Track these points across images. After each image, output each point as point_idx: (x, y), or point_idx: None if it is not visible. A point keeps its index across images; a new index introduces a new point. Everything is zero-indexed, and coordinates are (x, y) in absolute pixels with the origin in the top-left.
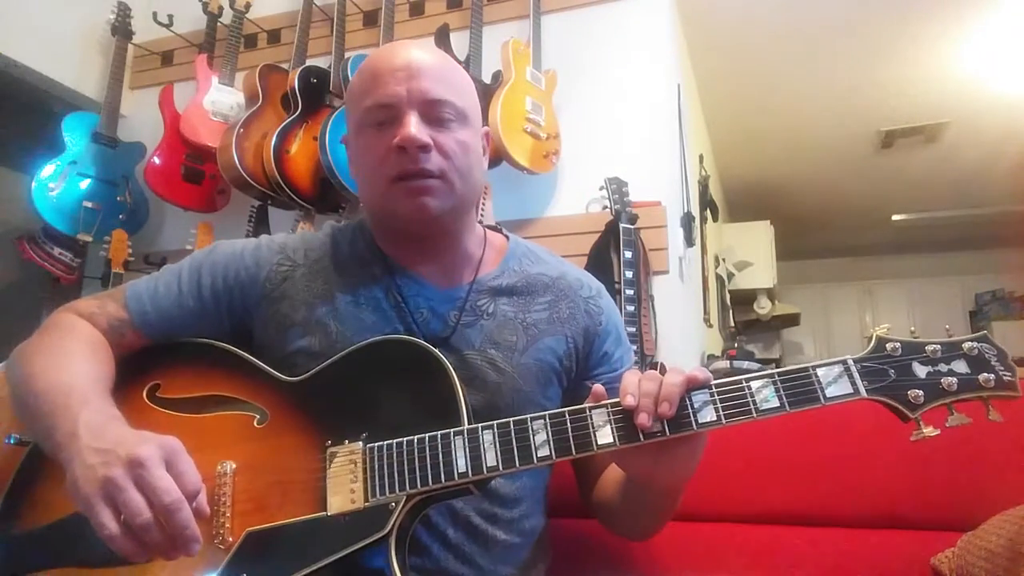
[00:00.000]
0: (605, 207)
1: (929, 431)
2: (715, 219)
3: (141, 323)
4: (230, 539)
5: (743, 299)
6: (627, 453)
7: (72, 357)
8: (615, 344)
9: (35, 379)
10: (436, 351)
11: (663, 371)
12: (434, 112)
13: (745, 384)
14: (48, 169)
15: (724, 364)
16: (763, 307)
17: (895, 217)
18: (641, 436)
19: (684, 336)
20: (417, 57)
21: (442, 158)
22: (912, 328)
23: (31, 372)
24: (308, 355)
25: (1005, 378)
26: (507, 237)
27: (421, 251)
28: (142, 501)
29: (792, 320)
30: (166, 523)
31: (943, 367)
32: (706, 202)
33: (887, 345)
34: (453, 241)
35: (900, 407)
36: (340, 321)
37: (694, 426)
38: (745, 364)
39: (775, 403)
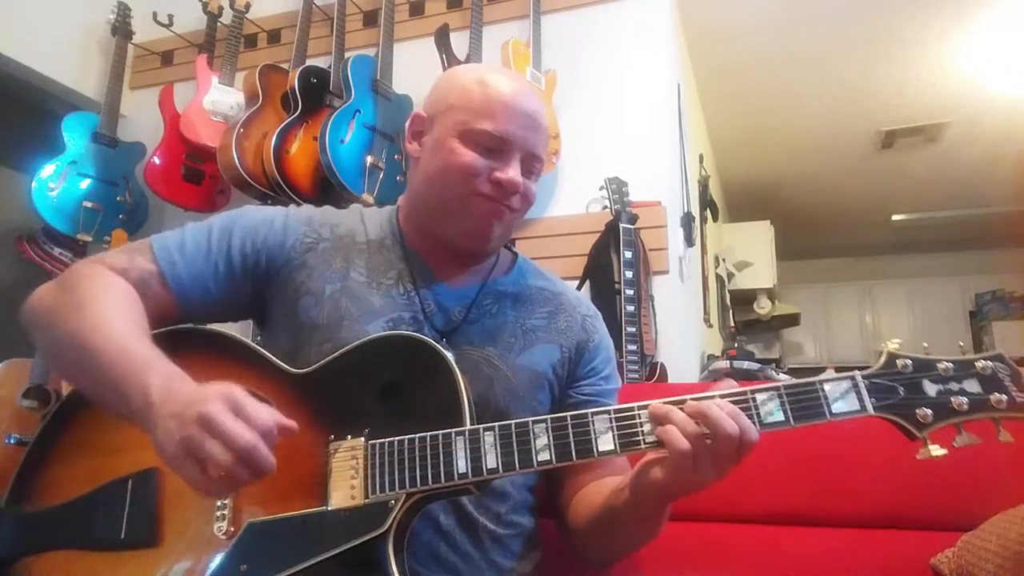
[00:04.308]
0: (605, 207)
1: (936, 450)
2: (715, 219)
3: (170, 276)
4: (231, 529)
5: (743, 299)
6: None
7: (119, 314)
8: (604, 363)
9: (85, 336)
10: (443, 350)
11: (663, 371)
12: (529, 165)
13: (751, 396)
14: (48, 169)
15: (724, 364)
16: (763, 307)
17: (895, 217)
18: (642, 444)
19: (684, 336)
20: (540, 112)
21: (519, 200)
22: (925, 344)
23: (79, 327)
24: (315, 326)
25: (1018, 399)
26: (515, 254)
27: (447, 256)
28: (220, 449)
29: (792, 320)
30: (248, 462)
31: (954, 386)
32: (706, 202)
33: (898, 361)
34: (476, 261)
35: (907, 426)
36: (350, 299)
37: None
38: (745, 364)
39: (780, 417)
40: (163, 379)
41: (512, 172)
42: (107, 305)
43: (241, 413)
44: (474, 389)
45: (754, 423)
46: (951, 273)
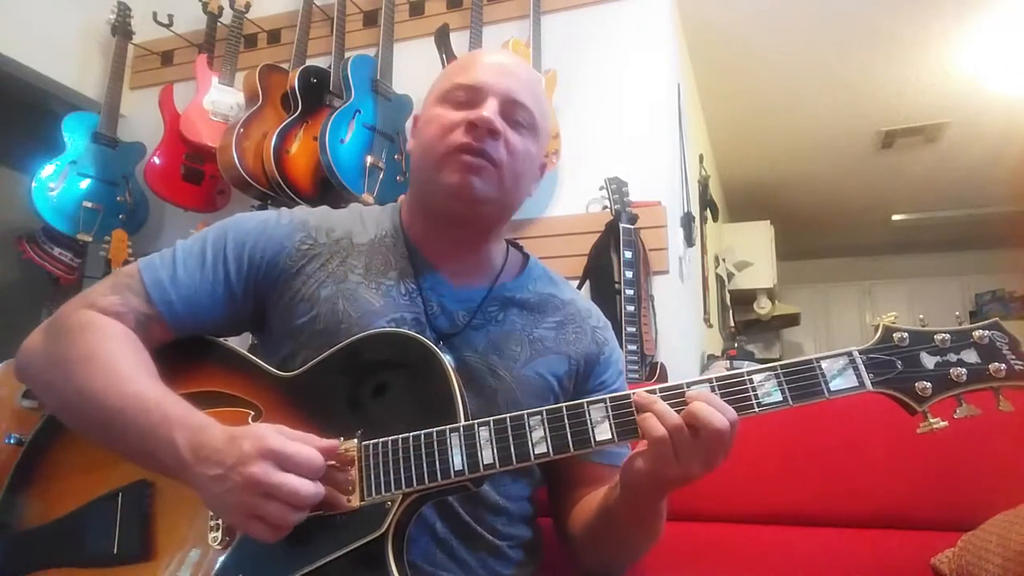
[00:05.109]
0: (605, 207)
1: (937, 423)
2: (715, 219)
3: (169, 317)
4: (227, 538)
5: (743, 299)
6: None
7: (126, 366)
8: (615, 376)
9: (97, 394)
10: (432, 346)
11: (663, 371)
12: (512, 112)
13: (747, 377)
14: (48, 169)
15: (724, 364)
16: (763, 307)
17: (895, 217)
18: (640, 432)
19: (684, 336)
20: (513, 62)
21: (504, 151)
22: (921, 316)
23: (89, 386)
24: (313, 331)
25: (1017, 367)
26: (527, 256)
27: (447, 244)
28: (283, 509)
29: (792, 320)
30: (309, 506)
31: (952, 357)
32: (706, 202)
33: (894, 335)
34: (480, 242)
35: (907, 400)
36: (348, 301)
37: None
38: (745, 364)
39: (777, 397)
40: (189, 432)
41: (485, 111)
42: (113, 357)
43: (288, 464)
44: (477, 399)
45: (752, 404)
46: (951, 273)
